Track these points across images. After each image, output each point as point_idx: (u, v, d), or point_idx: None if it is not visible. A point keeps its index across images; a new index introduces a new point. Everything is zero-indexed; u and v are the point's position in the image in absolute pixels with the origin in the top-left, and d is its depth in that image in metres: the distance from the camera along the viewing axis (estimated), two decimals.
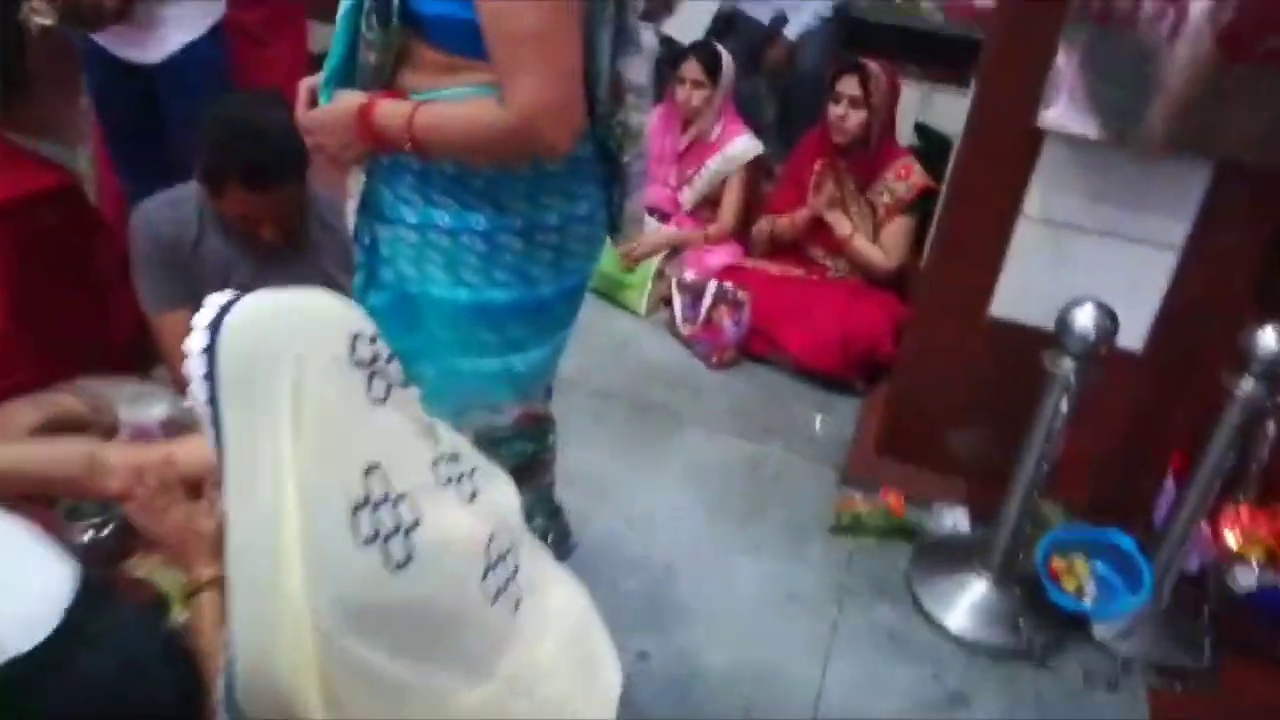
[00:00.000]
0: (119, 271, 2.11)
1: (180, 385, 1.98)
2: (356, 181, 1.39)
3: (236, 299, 1.02)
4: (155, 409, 1.91)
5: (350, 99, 1.27)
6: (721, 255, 3.13)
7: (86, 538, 1.75)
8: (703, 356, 2.87)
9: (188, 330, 1.91)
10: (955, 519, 2.21)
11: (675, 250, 3.15)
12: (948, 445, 2.30)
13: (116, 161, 2.35)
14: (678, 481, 2.37)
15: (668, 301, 3.02)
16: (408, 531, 1.01)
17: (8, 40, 2.20)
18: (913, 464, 2.33)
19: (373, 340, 1.06)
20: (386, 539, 1.00)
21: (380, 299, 1.45)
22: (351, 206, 1.42)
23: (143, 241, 1.88)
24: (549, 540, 1.76)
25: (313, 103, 1.34)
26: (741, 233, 3.22)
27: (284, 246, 1.92)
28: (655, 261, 3.08)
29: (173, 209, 1.90)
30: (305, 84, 1.36)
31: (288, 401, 0.98)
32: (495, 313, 1.39)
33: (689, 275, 3.01)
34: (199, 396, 1.01)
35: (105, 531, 1.79)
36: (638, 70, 1.33)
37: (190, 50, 2.12)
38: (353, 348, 1.03)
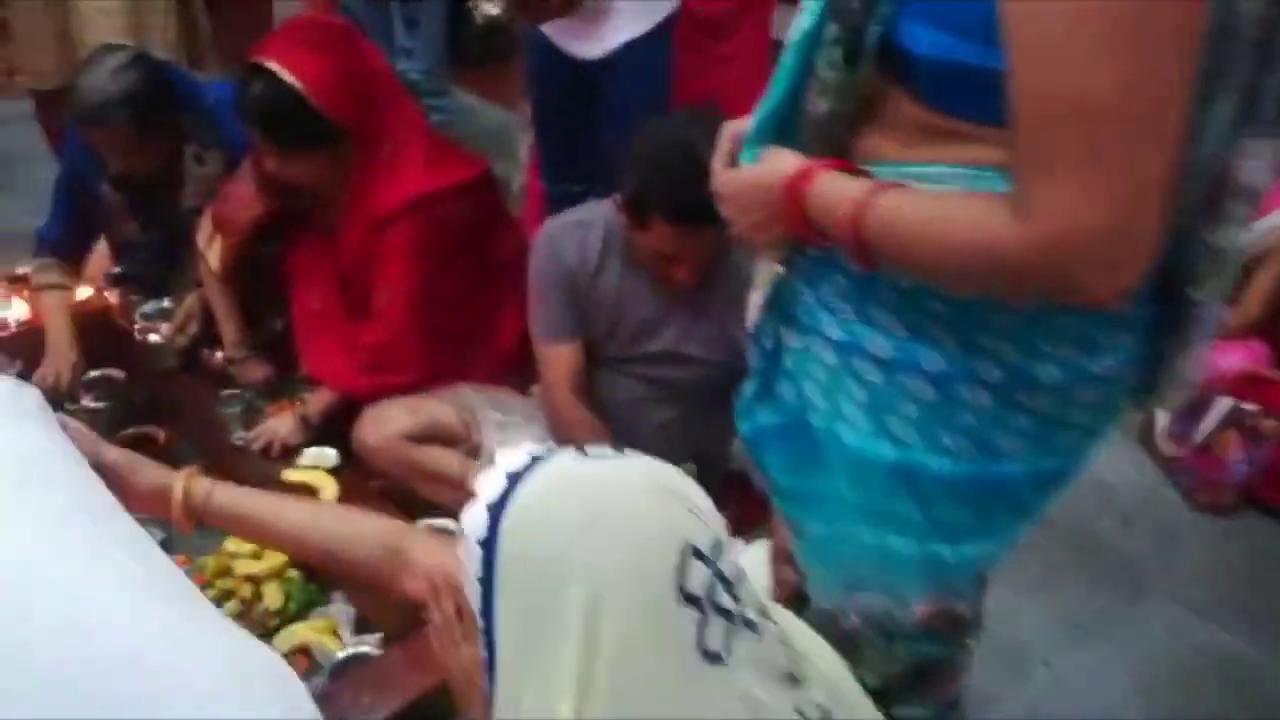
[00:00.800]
0: (514, 273, 1.99)
1: (558, 421, 1.81)
2: (768, 268, 1.01)
3: (530, 465, 0.71)
4: (522, 445, 1.75)
5: (780, 163, 0.88)
6: (1239, 356, 2.32)
7: None
8: (1187, 491, 2.15)
9: (571, 366, 1.73)
10: None
11: None
12: None
13: (542, 155, 2.23)
14: (1120, 673, 1.74)
15: None
16: None
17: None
18: None
19: (715, 553, 0.70)
20: None
21: (771, 419, 1.07)
22: (755, 299, 1.04)
23: (543, 265, 1.71)
24: None
25: (735, 157, 0.98)
26: (1273, 331, 2.37)
27: (693, 289, 1.64)
28: None
29: (578, 233, 1.70)
30: (729, 130, 1.00)
31: (574, 651, 0.65)
32: (928, 485, 0.94)
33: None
34: (471, 599, 0.71)
35: None
36: (1261, 163, 0.78)
37: (634, 46, 1.90)
38: (683, 571, 0.68)
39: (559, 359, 1.72)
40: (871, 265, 0.83)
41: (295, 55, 1.64)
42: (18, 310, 2.27)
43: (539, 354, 1.76)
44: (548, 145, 2.20)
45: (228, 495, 1.07)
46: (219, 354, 2.06)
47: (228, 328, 2.02)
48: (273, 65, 1.63)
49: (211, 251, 1.96)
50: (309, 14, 2.73)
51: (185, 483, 1.05)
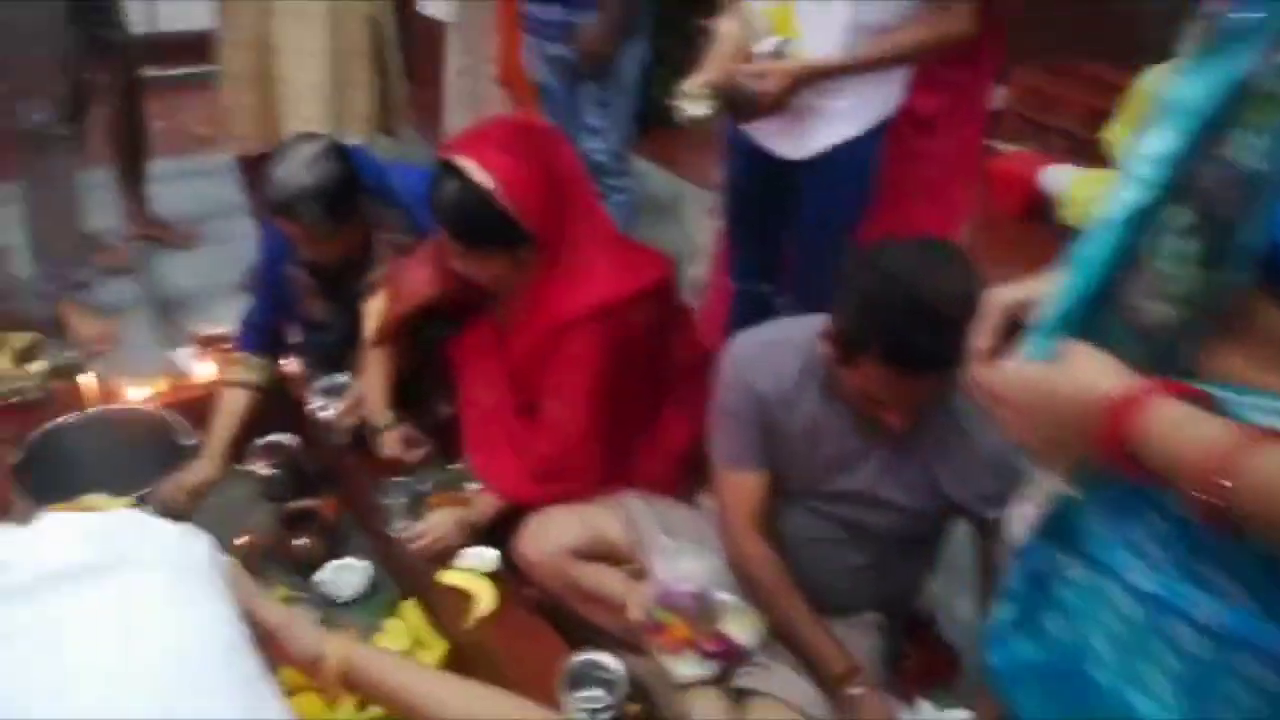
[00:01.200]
0: (689, 372, 1.86)
1: (736, 556, 1.63)
2: (1048, 482, 0.82)
3: None
4: (690, 574, 1.60)
5: (1096, 376, 0.70)
6: None
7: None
8: None
9: (755, 498, 1.56)
10: None
11: None
12: None
13: (732, 252, 2.10)
14: None
15: None
16: None
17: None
18: None
19: None
20: None
21: (1032, 654, 0.87)
22: (1025, 513, 0.85)
23: (732, 388, 1.55)
24: None
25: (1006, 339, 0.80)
26: None
27: (902, 433, 1.45)
28: None
29: (772, 354, 1.54)
30: (996, 303, 0.82)
31: None
32: None
33: None
34: None
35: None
36: None
37: (843, 148, 1.74)
38: None
39: (741, 490, 1.56)
40: (1234, 535, 0.63)
41: (494, 157, 1.58)
42: (206, 371, 2.32)
43: (719, 479, 1.61)
44: (738, 242, 2.06)
45: (383, 671, 1.00)
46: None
47: (372, 393, 1.97)
48: (470, 164, 1.58)
49: (372, 316, 1.93)
50: (516, 112, 2.73)
51: (342, 654, 0.98)
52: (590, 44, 2.37)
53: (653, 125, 2.82)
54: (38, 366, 2.28)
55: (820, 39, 1.68)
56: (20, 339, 2.24)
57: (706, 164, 3.49)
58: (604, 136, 2.52)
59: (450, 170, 1.60)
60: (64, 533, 0.82)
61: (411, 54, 2.88)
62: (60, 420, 2.02)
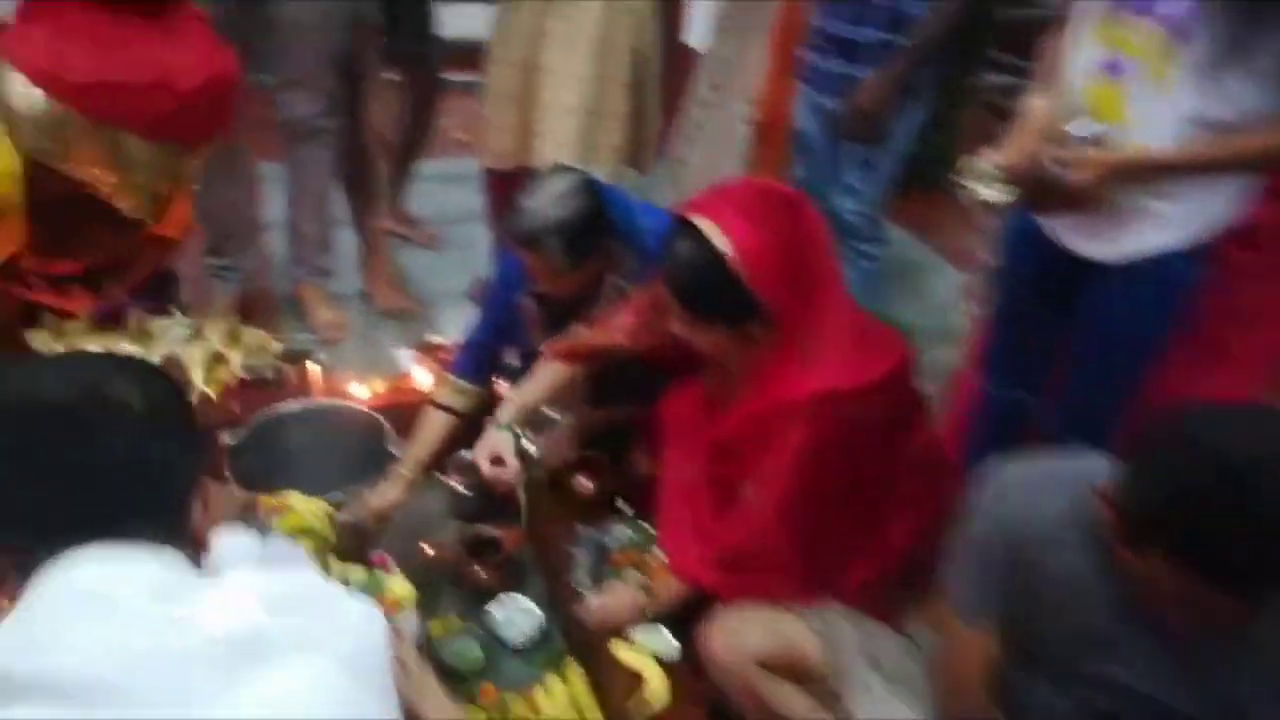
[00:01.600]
0: (917, 470, 1.66)
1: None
2: None
3: None
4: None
5: None
6: None
7: None
8: None
9: (986, 653, 1.31)
10: None
11: None
12: None
13: (993, 352, 1.85)
14: None
15: None
16: None
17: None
18: None
19: None
20: None
21: None
22: None
23: (985, 520, 1.32)
24: None
25: None
26: None
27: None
28: None
29: (1039, 489, 1.29)
30: None
31: None
32: None
33: None
34: None
35: None
36: None
37: (1163, 258, 1.48)
38: None
39: (975, 646, 1.32)
40: None
41: (736, 223, 1.44)
42: (423, 379, 2.34)
43: (950, 627, 1.37)
44: (1004, 341, 1.81)
45: None
46: (586, 482, 1.93)
47: (519, 393, 1.89)
48: (709, 226, 1.45)
49: (569, 336, 1.87)
50: (758, 154, 2.60)
51: None
52: (864, 101, 2.18)
53: (911, 188, 2.60)
54: (273, 346, 2.37)
55: (1150, 129, 1.43)
56: (254, 335, 2.31)
57: (963, 235, 3.23)
58: (861, 198, 2.33)
59: (687, 229, 1.48)
60: (248, 596, 0.79)
61: (669, 85, 2.81)
62: (281, 407, 2.07)
